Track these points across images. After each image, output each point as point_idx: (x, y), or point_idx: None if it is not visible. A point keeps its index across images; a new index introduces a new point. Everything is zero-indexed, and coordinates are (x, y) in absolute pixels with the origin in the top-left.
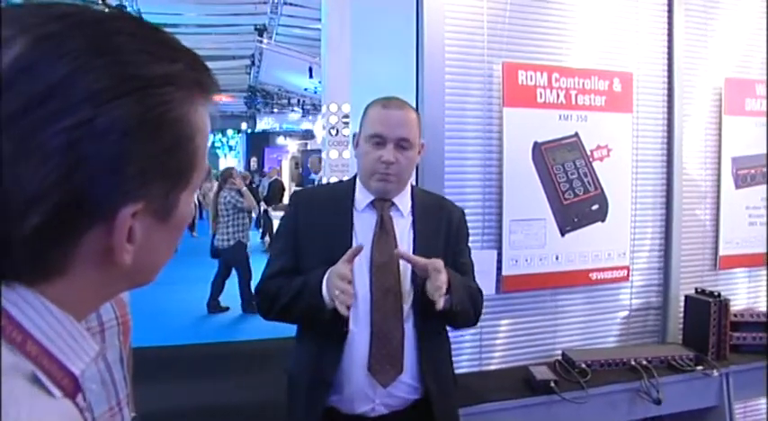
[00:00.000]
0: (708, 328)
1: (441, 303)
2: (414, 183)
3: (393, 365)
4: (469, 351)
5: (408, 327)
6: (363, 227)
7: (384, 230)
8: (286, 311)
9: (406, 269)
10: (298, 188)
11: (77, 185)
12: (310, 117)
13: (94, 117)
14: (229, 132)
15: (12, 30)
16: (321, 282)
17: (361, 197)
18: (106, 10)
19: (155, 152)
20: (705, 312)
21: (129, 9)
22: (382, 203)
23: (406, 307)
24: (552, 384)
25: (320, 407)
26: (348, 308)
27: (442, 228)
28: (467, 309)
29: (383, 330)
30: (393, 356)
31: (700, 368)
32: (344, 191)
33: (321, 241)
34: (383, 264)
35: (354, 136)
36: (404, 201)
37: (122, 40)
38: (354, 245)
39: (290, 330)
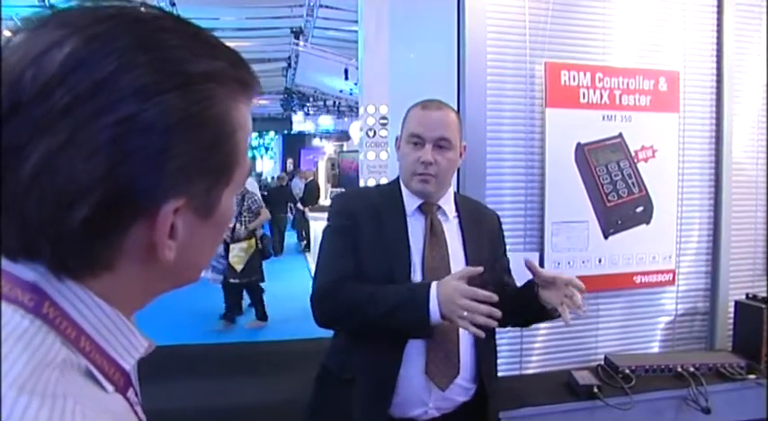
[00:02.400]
0: (760, 336)
1: (567, 317)
2: (454, 189)
3: (450, 368)
4: (509, 354)
5: (463, 331)
6: (413, 231)
7: (435, 234)
8: (369, 325)
9: (456, 272)
10: (335, 189)
11: (121, 179)
12: (346, 118)
13: (138, 112)
14: (271, 134)
15: (64, 31)
16: (428, 297)
17: (409, 201)
18: (151, 11)
19: (196, 148)
20: (757, 319)
21: None
22: (430, 207)
23: None
24: (595, 389)
25: (384, 414)
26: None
27: (484, 231)
28: None
29: (439, 333)
30: (450, 358)
31: (752, 377)
32: (392, 194)
33: (380, 244)
34: (435, 268)
35: (396, 139)
36: (448, 205)
37: (166, 38)
38: (410, 250)
39: (325, 331)
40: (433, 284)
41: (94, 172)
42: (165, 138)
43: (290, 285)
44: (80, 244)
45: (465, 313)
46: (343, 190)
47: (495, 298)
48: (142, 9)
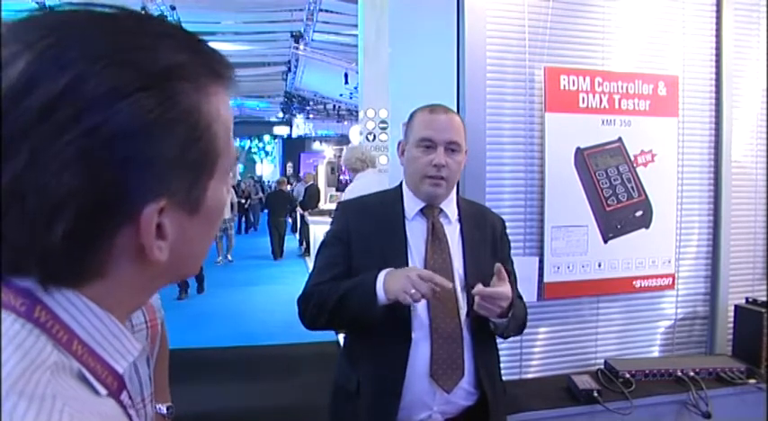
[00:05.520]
0: (760, 340)
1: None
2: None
3: (455, 369)
4: (510, 358)
5: (465, 333)
6: (415, 235)
7: (436, 237)
8: (334, 314)
9: (459, 275)
10: (335, 193)
11: (97, 190)
12: (345, 122)
13: (102, 122)
14: (266, 138)
15: (15, 47)
16: (375, 280)
17: (411, 205)
18: (106, 9)
19: (168, 148)
20: (757, 323)
21: (169, 19)
22: (432, 210)
23: (463, 312)
24: (595, 394)
25: (391, 418)
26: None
27: (487, 235)
28: (513, 333)
29: (443, 335)
30: (454, 360)
31: (752, 381)
32: (393, 200)
33: (375, 251)
34: (437, 270)
35: (399, 144)
36: (451, 208)
37: (120, 40)
38: (409, 254)
39: (327, 335)
40: (385, 269)
41: (66, 187)
42: (133, 144)
43: (291, 290)
44: (66, 257)
45: (412, 290)
46: (341, 194)
47: (449, 285)
48: (97, 8)
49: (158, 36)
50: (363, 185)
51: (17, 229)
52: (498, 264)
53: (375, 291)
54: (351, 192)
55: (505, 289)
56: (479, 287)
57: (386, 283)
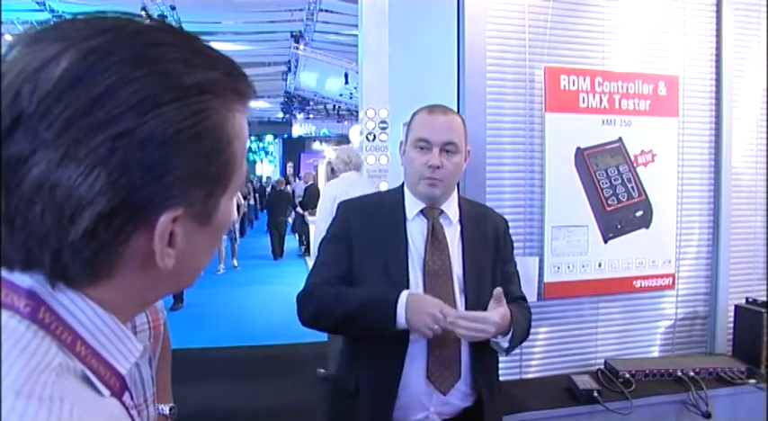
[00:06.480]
0: (760, 340)
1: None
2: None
3: (451, 371)
4: (509, 358)
5: None
6: (414, 235)
7: (436, 238)
8: (339, 325)
9: (458, 276)
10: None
11: (121, 192)
12: (346, 122)
13: (136, 127)
14: (268, 138)
15: (61, 45)
16: (395, 302)
17: (411, 206)
18: (147, 21)
19: (193, 159)
20: (757, 323)
21: (169, 19)
22: (432, 211)
23: None
24: (596, 394)
25: (388, 419)
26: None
27: (489, 236)
28: (516, 346)
29: (439, 337)
30: (451, 362)
31: (752, 381)
32: (394, 200)
33: (375, 251)
34: (436, 271)
35: (400, 144)
36: (452, 208)
37: (162, 51)
38: (409, 254)
39: (327, 335)
40: (405, 291)
41: (94, 185)
42: (162, 151)
43: (291, 290)
44: (80, 254)
45: (435, 327)
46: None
47: (488, 331)
48: (141, 20)
49: (195, 52)
50: (344, 182)
51: (42, 218)
52: (498, 289)
53: (395, 316)
54: (330, 186)
55: (492, 313)
56: (453, 313)
57: (408, 313)
